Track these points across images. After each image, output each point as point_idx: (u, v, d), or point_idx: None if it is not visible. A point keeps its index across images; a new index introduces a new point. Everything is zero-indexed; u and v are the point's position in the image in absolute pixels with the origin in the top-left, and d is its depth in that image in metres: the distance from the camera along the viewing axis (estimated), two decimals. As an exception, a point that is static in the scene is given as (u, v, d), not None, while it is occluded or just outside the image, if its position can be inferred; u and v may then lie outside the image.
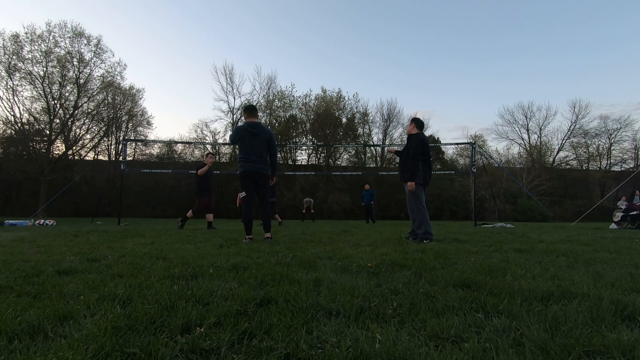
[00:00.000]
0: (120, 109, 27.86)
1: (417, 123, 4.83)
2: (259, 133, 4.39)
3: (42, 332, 1.18)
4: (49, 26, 23.36)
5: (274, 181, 4.76)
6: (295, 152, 30.06)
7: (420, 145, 4.54)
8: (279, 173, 4.69)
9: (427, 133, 31.36)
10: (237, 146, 4.50)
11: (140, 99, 29.39)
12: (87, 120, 26.20)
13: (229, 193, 26.71)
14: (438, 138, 32.38)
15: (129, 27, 47.33)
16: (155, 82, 49.46)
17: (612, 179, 27.56)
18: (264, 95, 30.01)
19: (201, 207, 7.53)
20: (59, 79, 23.86)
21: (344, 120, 29.97)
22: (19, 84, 23.37)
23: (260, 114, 29.37)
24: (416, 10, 50.33)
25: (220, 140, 29.89)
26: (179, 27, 49.62)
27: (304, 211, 16.49)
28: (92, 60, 24.74)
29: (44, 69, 23.44)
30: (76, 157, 26.87)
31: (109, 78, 25.64)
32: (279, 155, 4.81)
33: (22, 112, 24.06)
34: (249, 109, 4.55)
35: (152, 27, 48.60)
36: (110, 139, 29.10)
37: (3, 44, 22.54)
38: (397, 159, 30.31)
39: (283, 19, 51.70)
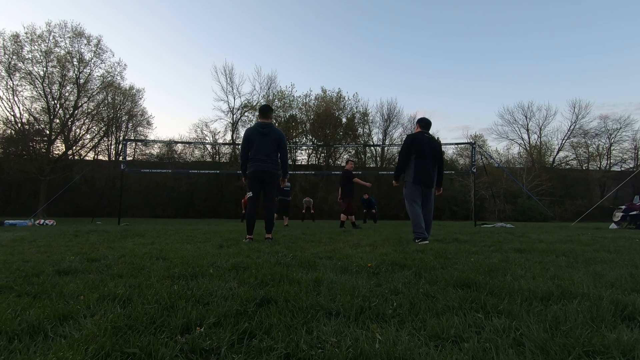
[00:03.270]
0: (120, 109, 27.90)
1: (421, 123, 4.74)
2: (268, 133, 4.41)
3: (42, 332, 1.18)
4: (49, 26, 23.43)
5: (285, 182, 4.81)
6: (295, 152, 30.07)
7: (407, 145, 4.55)
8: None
9: (427, 133, 31.31)
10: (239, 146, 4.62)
11: (140, 99, 29.50)
12: (87, 120, 26.25)
13: (229, 193, 26.73)
14: (438, 138, 32.37)
15: (129, 27, 47.39)
16: (155, 82, 49.55)
17: (612, 179, 27.59)
18: (264, 95, 30.04)
19: (350, 209, 8.45)
20: (59, 79, 23.89)
21: (344, 120, 30.00)
22: (19, 84, 23.43)
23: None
24: (417, 10, 50.36)
25: (220, 140, 29.90)
26: (179, 27, 49.68)
27: (303, 211, 16.46)
28: (92, 60, 24.82)
29: (44, 69, 23.49)
30: (76, 157, 26.90)
31: (109, 78, 25.71)
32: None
33: (22, 112, 24.12)
34: (261, 110, 4.59)
35: (152, 27, 48.67)
36: (110, 139, 29.17)
37: (3, 44, 22.59)
38: (397, 159, 30.53)
39: (283, 19, 51.75)
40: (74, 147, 26.32)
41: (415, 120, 4.86)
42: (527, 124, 32.38)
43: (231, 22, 50.96)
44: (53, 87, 23.90)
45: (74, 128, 25.92)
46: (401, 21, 51.05)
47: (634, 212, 9.46)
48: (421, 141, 4.52)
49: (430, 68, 50.28)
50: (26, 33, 22.94)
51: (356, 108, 30.54)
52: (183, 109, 48.31)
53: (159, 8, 49.46)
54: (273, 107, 28.40)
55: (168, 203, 27.28)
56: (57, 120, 24.52)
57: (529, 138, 32.66)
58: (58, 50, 23.66)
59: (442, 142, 32.21)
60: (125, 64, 32.18)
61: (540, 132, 32.23)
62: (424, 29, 50.61)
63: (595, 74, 47.00)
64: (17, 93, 23.57)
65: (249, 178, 4.42)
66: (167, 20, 49.53)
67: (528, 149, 32.17)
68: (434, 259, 2.68)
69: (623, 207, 9.86)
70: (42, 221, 10.84)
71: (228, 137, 30.22)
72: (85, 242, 4.15)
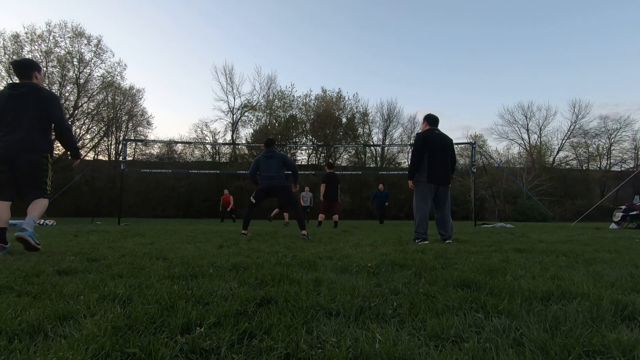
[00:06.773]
0: (120, 109, 27.90)
1: (429, 120, 4.72)
2: (272, 156, 5.43)
3: (42, 332, 1.18)
4: (49, 26, 23.48)
5: (297, 188, 5.78)
6: (295, 152, 30.07)
7: (419, 143, 4.51)
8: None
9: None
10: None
11: (140, 99, 29.49)
12: (87, 120, 26.29)
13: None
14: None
15: (129, 27, 47.35)
16: (155, 82, 49.51)
17: (612, 179, 27.60)
18: (264, 95, 30.06)
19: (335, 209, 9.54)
20: (59, 79, 23.92)
21: (344, 120, 29.98)
22: (19, 84, 23.38)
23: (260, 113, 29.53)
24: (417, 10, 50.35)
25: (220, 140, 29.92)
26: (179, 27, 49.62)
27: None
28: (92, 61, 24.88)
29: (44, 69, 23.47)
30: (76, 157, 26.86)
31: (109, 78, 25.75)
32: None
33: (22, 112, 24.06)
34: (266, 143, 5.62)
35: (152, 27, 48.60)
36: (110, 139, 29.15)
37: (3, 44, 22.61)
38: (397, 159, 30.51)
39: (283, 19, 51.72)
40: (74, 147, 26.32)
41: (423, 117, 4.81)
42: (527, 124, 32.43)
43: (231, 23, 50.97)
44: (53, 87, 23.91)
45: (73, 128, 25.93)
46: (401, 21, 51.05)
47: (634, 212, 9.47)
48: (433, 139, 4.52)
49: (430, 68, 50.30)
50: (26, 33, 23.00)
51: (356, 108, 30.57)
52: (183, 109, 48.33)
53: (158, 7, 49.44)
54: (273, 107, 28.78)
55: (168, 203, 27.26)
56: (57, 120, 24.51)
57: (529, 138, 32.70)
58: (58, 51, 23.72)
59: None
60: (125, 64, 32.30)
61: (540, 132, 32.28)
62: (425, 28, 50.61)
63: (597, 73, 46.96)
64: (17, 93, 23.58)
65: (258, 191, 5.50)
66: (167, 20, 49.53)
67: (528, 149, 32.17)
68: (434, 259, 2.68)
69: (623, 207, 9.87)
70: (42, 221, 10.83)
71: (228, 137, 30.25)
72: (85, 242, 4.15)
